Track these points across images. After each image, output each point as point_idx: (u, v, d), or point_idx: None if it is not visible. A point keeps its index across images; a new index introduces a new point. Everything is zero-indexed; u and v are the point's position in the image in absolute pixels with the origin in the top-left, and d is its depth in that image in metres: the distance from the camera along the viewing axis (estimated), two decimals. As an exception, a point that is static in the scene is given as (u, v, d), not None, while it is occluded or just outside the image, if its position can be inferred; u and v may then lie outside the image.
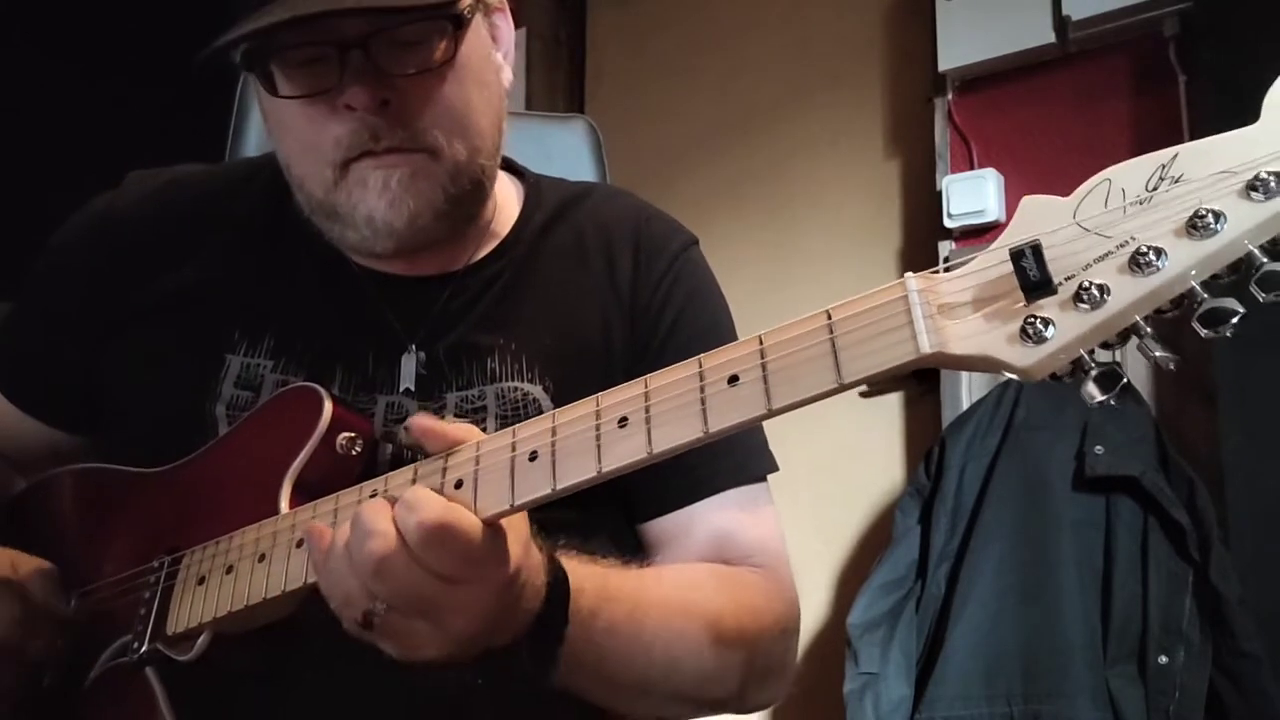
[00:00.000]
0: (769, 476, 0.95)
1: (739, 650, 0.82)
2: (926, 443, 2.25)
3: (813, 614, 2.43)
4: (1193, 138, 1.88)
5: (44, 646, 0.84)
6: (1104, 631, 1.83)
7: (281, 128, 0.84)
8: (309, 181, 0.83)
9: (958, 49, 2.41)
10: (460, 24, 0.81)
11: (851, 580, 2.37)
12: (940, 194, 2.42)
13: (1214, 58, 2.04)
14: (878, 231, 2.62)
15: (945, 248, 2.43)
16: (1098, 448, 1.91)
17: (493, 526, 0.62)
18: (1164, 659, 1.76)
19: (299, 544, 0.70)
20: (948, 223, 2.39)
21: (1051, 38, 2.28)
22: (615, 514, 0.91)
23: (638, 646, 0.77)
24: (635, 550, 0.91)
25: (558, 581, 0.70)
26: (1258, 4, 1.99)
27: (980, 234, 2.40)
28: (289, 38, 0.77)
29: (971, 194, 2.36)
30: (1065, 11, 2.23)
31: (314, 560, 0.66)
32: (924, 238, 2.51)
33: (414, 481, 0.66)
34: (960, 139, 2.47)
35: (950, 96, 2.48)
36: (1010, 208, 2.38)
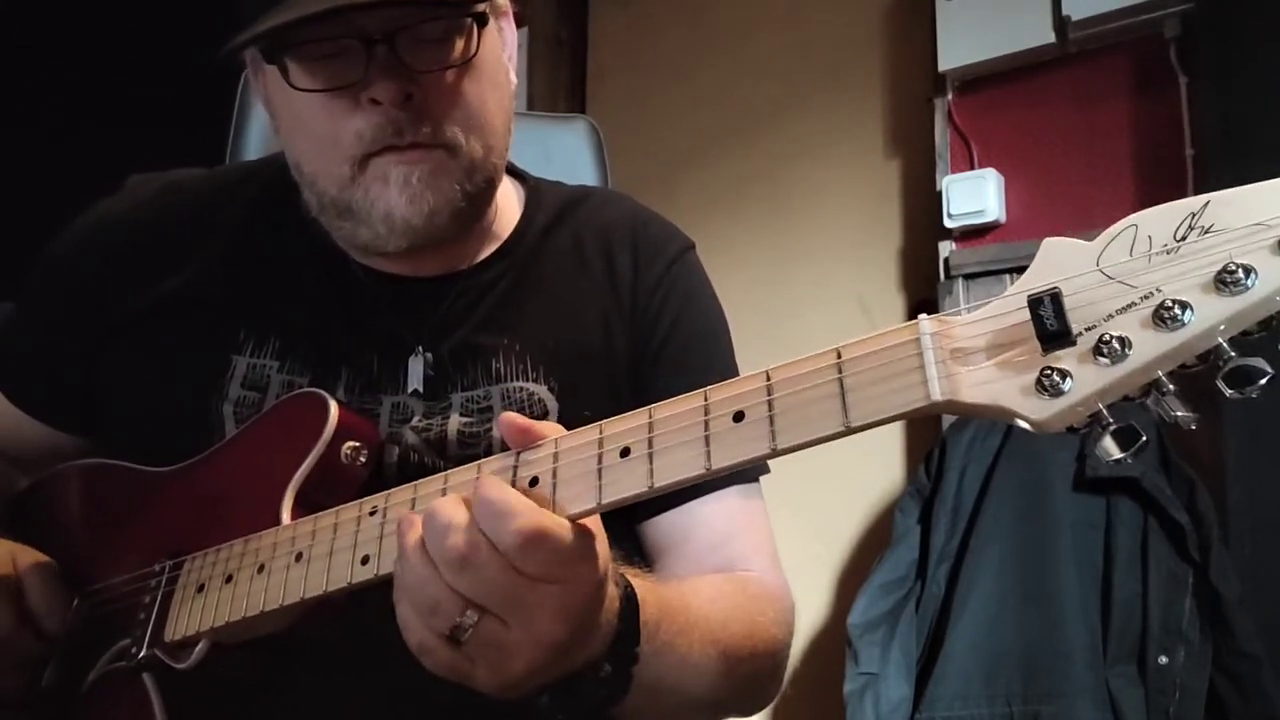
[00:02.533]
0: (763, 479, 0.96)
1: (745, 666, 0.82)
2: (927, 443, 2.25)
3: (813, 614, 2.43)
4: (1193, 139, 1.89)
5: (43, 643, 0.84)
6: (1104, 632, 1.83)
7: (296, 123, 0.83)
8: (322, 178, 0.83)
9: (958, 49, 2.40)
10: (483, 22, 0.81)
11: (851, 580, 2.37)
12: (940, 194, 2.42)
13: (1214, 58, 2.04)
14: (878, 231, 2.61)
15: (945, 248, 2.43)
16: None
17: (582, 526, 0.60)
18: (1164, 659, 1.76)
19: (298, 557, 0.70)
20: (948, 223, 2.39)
21: (1051, 38, 2.28)
22: (613, 514, 0.91)
23: (684, 666, 0.74)
24: (635, 552, 0.91)
25: (628, 595, 0.67)
26: (1258, 4, 1.98)
27: (980, 234, 2.40)
28: (312, 31, 0.76)
29: (971, 194, 2.36)
30: (1065, 11, 2.22)
31: (396, 569, 0.62)
32: (924, 238, 2.51)
33: (414, 504, 0.66)
34: (960, 139, 2.46)
35: (950, 96, 2.48)
36: (1010, 208, 2.38)
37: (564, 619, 0.60)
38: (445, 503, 0.59)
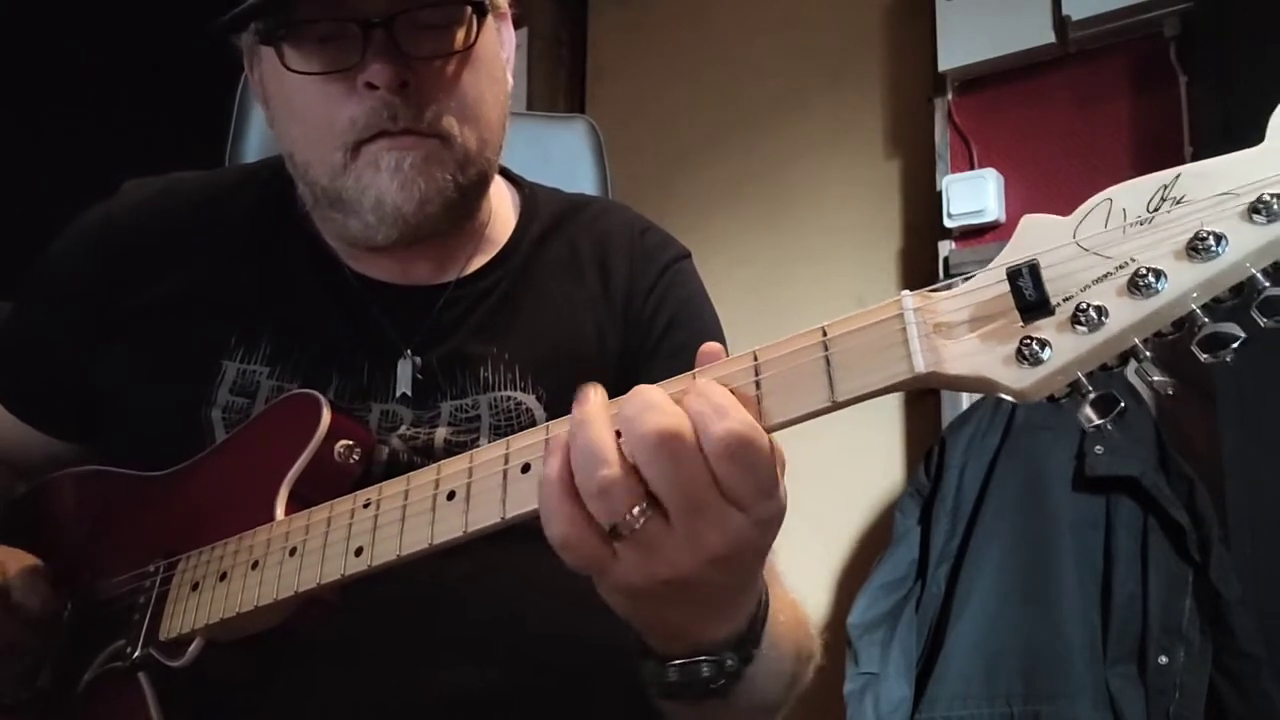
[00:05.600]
0: None
1: (800, 680, 0.80)
2: (926, 443, 2.25)
3: (812, 614, 2.43)
4: (1193, 138, 1.90)
5: (33, 644, 0.83)
6: (1104, 632, 1.83)
7: (290, 110, 0.83)
8: (315, 168, 0.83)
9: (958, 49, 2.41)
10: (482, 12, 0.81)
11: (851, 580, 2.37)
12: (940, 194, 2.43)
13: (1214, 58, 2.04)
14: (878, 231, 2.62)
15: (945, 247, 2.43)
16: (1097, 448, 1.92)
17: (778, 453, 0.55)
18: (1164, 659, 1.76)
19: (291, 552, 0.70)
20: (948, 223, 2.39)
21: (1051, 38, 2.28)
22: None
23: (770, 671, 0.69)
24: None
25: (761, 593, 0.64)
26: (1258, 4, 1.99)
27: (980, 234, 2.40)
28: (310, 11, 0.77)
29: (971, 194, 2.37)
30: (1065, 11, 2.23)
31: (573, 424, 0.55)
32: (924, 238, 2.51)
33: (407, 491, 0.66)
34: (960, 139, 2.47)
35: (950, 96, 2.48)
36: (1010, 208, 2.38)
37: (730, 544, 0.54)
38: (650, 387, 0.55)
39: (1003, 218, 2.37)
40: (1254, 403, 1.86)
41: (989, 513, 1.99)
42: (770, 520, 0.56)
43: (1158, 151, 2.20)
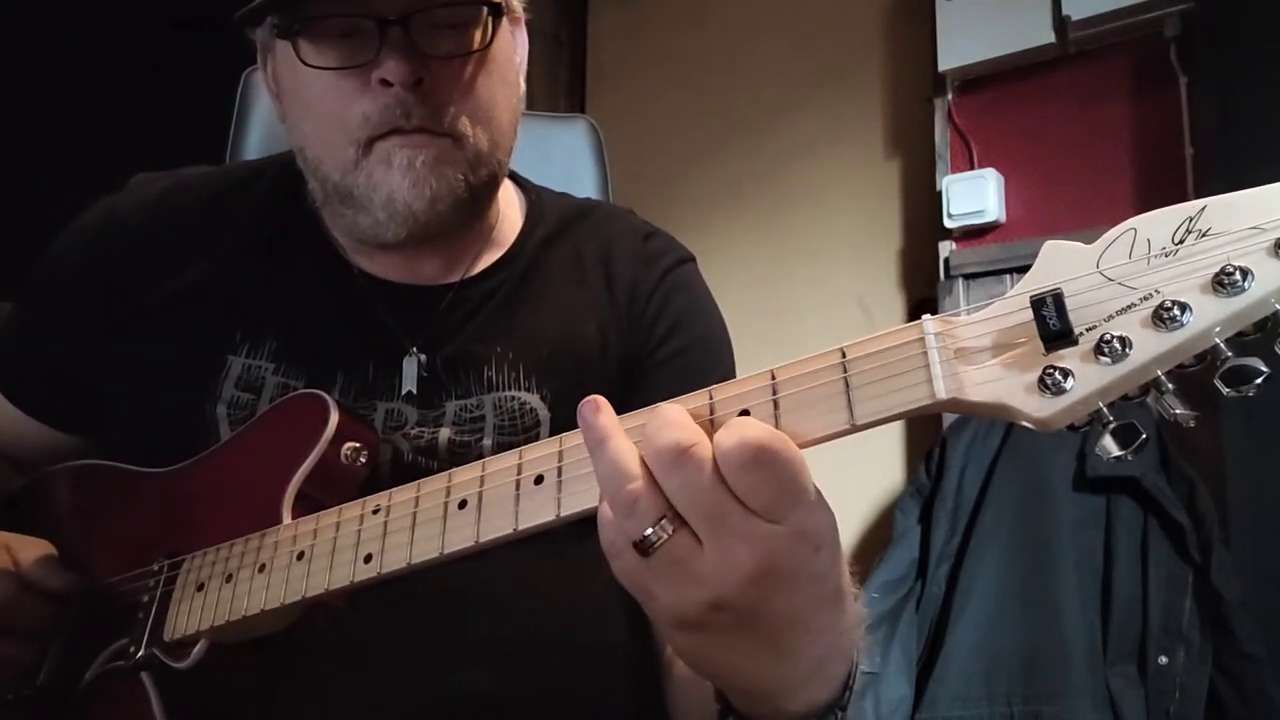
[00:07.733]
0: None
1: None
2: (927, 443, 2.25)
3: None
4: (1193, 138, 1.88)
5: (48, 626, 0.83)
6: (1104, 632, 1.82)
7: (303, 105, 0.83)
8: (326, 164, 0.83)
9: (958, 49, 2.41)
10: (498, 14, 0.82)
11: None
12: (940, 194, 2.42)
13: (1214, 58, 2.04)
14: (878, 231, 2.62)
15: (945, 248, 2.43)
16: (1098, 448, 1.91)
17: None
18: (1164, 660, 1.76)
19: (299, 556, 0.69)
20: (948, 223, 2.39)
21: (1051, 38, 2.28)
22: None
23: None
24: None
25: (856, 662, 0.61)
26: (1258, 4, 1.99)
27: (980, 234, 2.40)
28: (327, 7, 0.77)
29: (971, 194, 2.37)
30: (1065, 11, 2.23)
31: (590, 445, 0.55)
32: (924, 238, 2.51)
33: (418, 499, 0.65)
34: (960, 139, 2.47)
35: (950, 96, 2.48)
36: (1010, 208, 2.38)
37: (765, 563, 0.51)
38: (670, 405, 0.54)
39: (1003, 218, 2.37)
40: (1256, 403, 1.85)
41: (989, 513, 1.99)
42: (807, 533, 0.52)
43: (1158, 151, 2.20)
